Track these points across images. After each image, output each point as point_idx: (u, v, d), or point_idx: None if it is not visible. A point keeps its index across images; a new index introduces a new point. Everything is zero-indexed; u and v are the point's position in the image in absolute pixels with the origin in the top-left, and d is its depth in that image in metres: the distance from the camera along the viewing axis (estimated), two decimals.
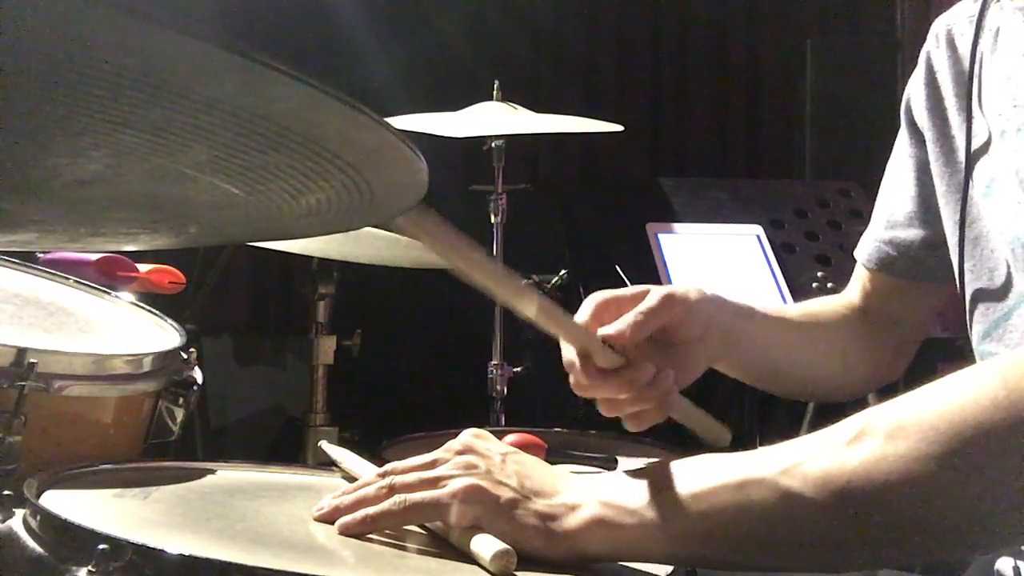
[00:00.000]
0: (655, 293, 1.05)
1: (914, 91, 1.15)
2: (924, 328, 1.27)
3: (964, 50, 1.07)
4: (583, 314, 1.04)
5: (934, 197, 1.12)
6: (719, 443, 1.11)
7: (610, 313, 1.04)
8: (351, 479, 0.99)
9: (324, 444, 1.11)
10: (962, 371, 0.71)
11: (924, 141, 1.14)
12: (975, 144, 1.03)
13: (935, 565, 1.17)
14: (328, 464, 1.08)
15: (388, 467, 0.85)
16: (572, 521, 0.77)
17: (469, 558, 0.77)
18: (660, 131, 3.71)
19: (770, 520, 0.72)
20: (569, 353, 1.02)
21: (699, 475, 0.75)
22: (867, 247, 1.24)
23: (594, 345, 0.98)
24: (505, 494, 0.78)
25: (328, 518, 0.83)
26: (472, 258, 0.85)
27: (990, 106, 1.02)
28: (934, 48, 1.12)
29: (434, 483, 0.81)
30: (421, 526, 0.84)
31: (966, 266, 1.05)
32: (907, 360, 1.28)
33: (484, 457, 0.82)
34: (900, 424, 0.68)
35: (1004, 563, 0.96)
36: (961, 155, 1.05)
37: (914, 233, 1.18)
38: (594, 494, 0.78)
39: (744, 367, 1.17)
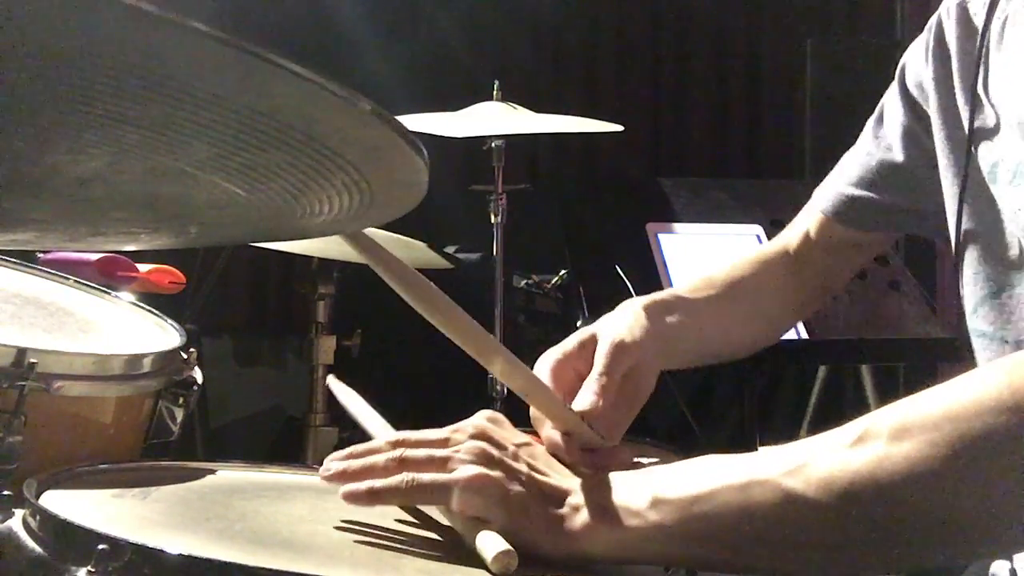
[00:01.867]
0: (603, 344, 1.00)
1: (914, 59, 1.14)
2: (843, 281, 1.34)
3: (975, 29, 1.06)
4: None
5: (917, 165, 1.14)
6: None
7: (567, 373, 0.99)
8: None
9: (332, 380, 1.08)
10: (967, 373, 0.70)
11: (914, 108, 1.14)
12: (978, 124, 1.03)
13: (930, 569, 1.16)
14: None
15: (400, 436, 0.84)
16: (576, 521, 0.76)
17: (469, 557, 0.77)
18: (660, 131, 3.71)
19: (773, 522, 0.71)
20: (552, 434, 0.93)
21: (702, 476, 0.75)
22: (829, 196, 1.24)
23: (578, 426, 0.92)
24: (514, 488, 0.78)
25: (334, 480, 0.82)
26: (438, 305, 0.84)
27: (997, 93, 1.02)
28: (946, 19, 1.10)
29: (444, 464, 0.80)
30: (421, 517, 0.84)
31: (963, 242, 1.05)
32: (815, 308, 1.32)
33: (498, 446, 0.82)
34: (904, 425, 0.68)
35: (999, 566, 0.96)
36: (965, 133, 1.04)
37: (880, 195, 1.19)
38: (597, 496, 0.78)
39: (681, 361, 1.16)
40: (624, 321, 1.05)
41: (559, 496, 0.78)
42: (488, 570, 0.74)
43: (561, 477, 0.81)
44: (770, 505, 0.71)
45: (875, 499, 0.68)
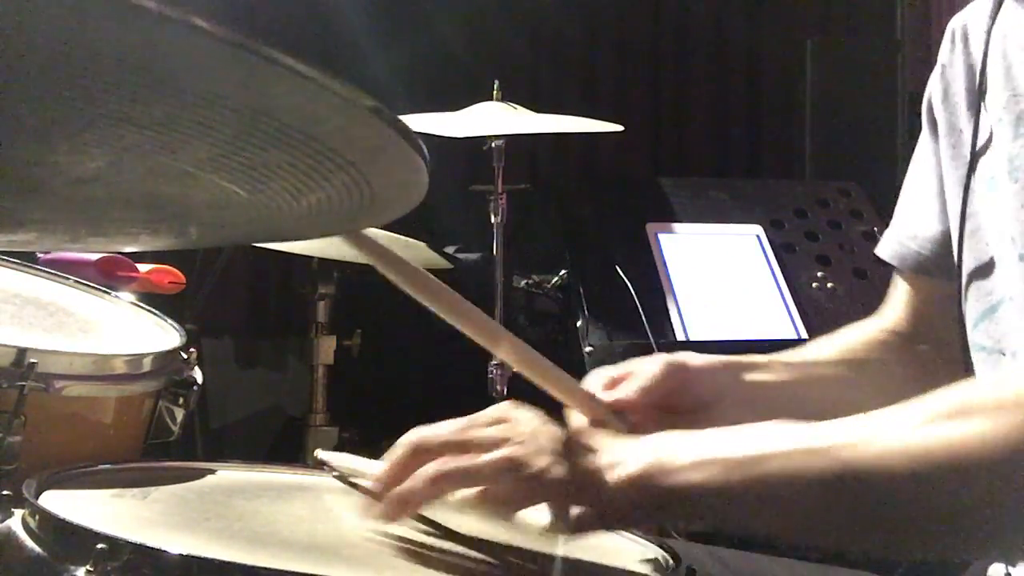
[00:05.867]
0: (654, 362, 1.01)
1: (932, 89, 1.14)
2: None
3: (976, 47, 1.07)
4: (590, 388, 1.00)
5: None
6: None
7: (615, 387, 1.00)
8: (347, 481, 0.99)
9: (320, 453, 1.08)
10: None
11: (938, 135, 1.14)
12: (980, 140, 1.03)
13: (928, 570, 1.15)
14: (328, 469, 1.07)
15: (417, 440, 0.83)
16: (614, 475, 0.74)
17: (468, 558, 0.77)
18: (660, 131, 3.71)
19: (823, 492, 0.69)
20: (578, 420, 0.95)
21: (752, 440, 0.73)
22: (892, 248, 1.18)
23: (603, 413, 0.93)
24: (541, 462, 0.76)
25: (380, 496, 0.81)
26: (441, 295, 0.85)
27: (993, 101, 1.03)
28: (949, 45, 1.12)
29: (469, 453, 0.78)
30: (420, 517, 0.84)
31: (964, 257, 1.05)
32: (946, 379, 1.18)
33: (518, 424, 0.80)
34: (968, 406, 0.67)
35: (996, 569, 0.96)
36: (967, 150, 1.05)
37: (937, 228, 1.14)
38: (638, 452, 0.76)
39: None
40: (686, 353, 1.04)
41: (590, 457, 0.76)
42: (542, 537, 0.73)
43: (591, 440, 0.79)
44: (823, 475, 0.69)
45: (938, 480, 0.66)
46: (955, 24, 1.13)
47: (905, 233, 1.18)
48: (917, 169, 1.19)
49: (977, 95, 1.04)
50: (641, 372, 0.99)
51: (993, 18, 1.05)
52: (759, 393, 1.06)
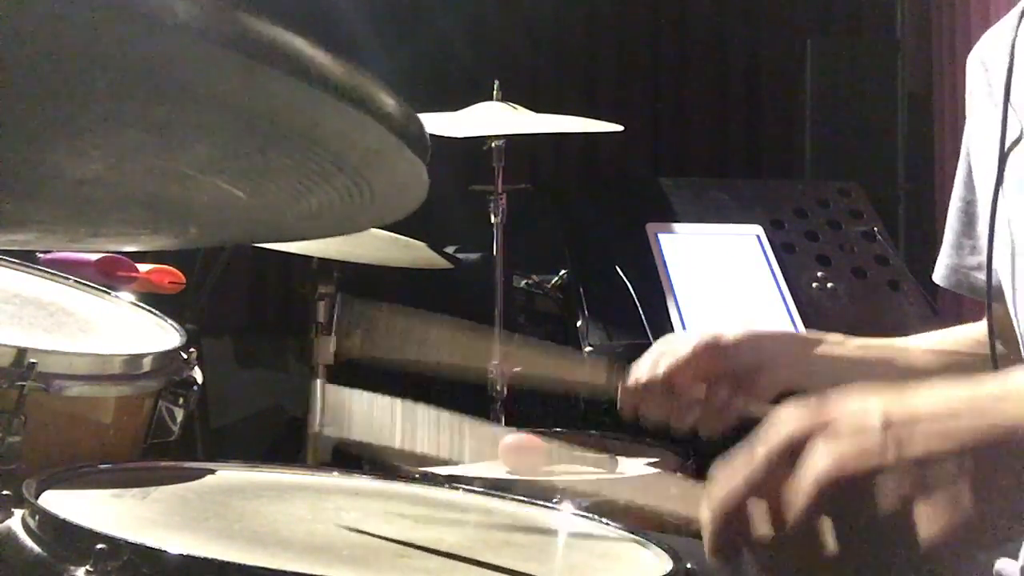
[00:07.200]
0: (687, 341, 1.05)
1: (968, 133, 1.13)
2: None
3: (998, 62, 1.07)
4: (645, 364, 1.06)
5: None
6: None
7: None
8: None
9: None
10: None
11: None
12: (1009, 139, 1.03)
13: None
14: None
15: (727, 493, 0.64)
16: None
17: (467, 558, 0.77)
18: (660, 131, 3.72)
19: None
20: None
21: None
22: (952, 279, 1.15)
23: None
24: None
25: None
26: None
27: (1020, 103, 1.02)
28: (971, 78, 1.12)
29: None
30: (421, 516, 0.84)
31: (994, 258, 1.04)
32: None
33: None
34: None
35: (1004, 563, 0.95)
36: (996, 148, 1.04)
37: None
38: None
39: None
40: (740, 328, 1.07)
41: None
42: None
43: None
44: None
45: None
46: (971, 57, 1.13)
47: (960, 262, 1.15)
48: (959, 191, 1.17)
49: (1006, 91, 1.03)
50: (671, 351, 1.04)
51: (1021, 16, 1.05)
52: (823, 364, 1.07)
